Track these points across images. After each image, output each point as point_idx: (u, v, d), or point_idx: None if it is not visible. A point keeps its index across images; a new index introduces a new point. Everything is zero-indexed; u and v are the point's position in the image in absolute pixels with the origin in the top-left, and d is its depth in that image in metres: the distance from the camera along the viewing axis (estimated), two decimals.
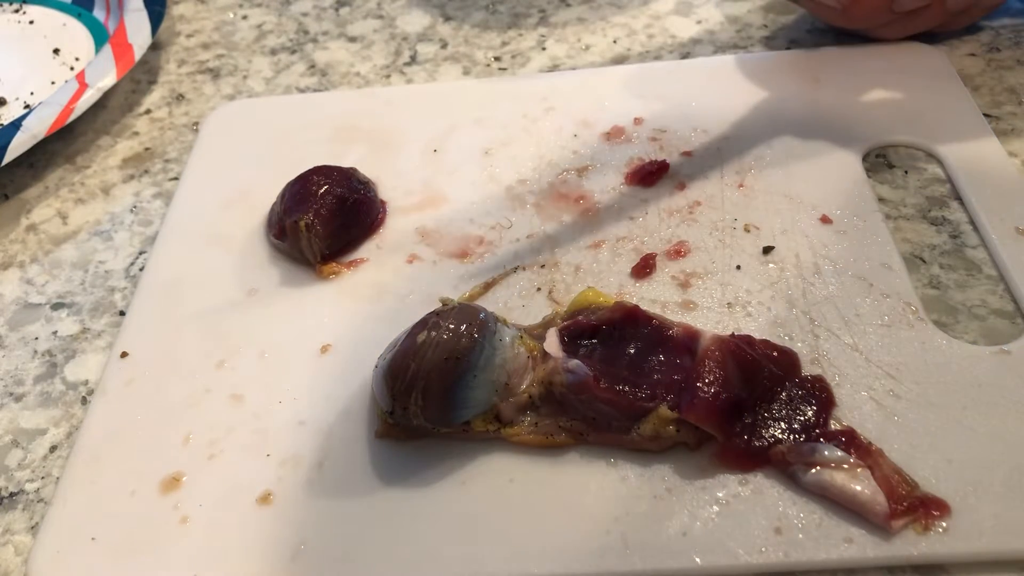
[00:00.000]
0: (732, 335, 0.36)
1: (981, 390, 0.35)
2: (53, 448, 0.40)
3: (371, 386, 0.37)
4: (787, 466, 0.33)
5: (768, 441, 0.33)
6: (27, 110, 0.54)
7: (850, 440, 0.33)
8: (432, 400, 0.34)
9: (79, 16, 0.66)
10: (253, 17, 0.66)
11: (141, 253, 0.48)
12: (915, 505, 0.31)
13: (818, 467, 0.32)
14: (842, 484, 0.32)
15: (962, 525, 0.31)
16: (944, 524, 0.31)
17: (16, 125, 0.51)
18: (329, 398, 0.38)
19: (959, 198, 0.43)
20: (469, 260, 0.43)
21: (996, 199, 0.42)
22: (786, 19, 0.57)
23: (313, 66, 0.60)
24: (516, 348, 0.36)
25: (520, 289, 0.42)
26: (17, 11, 0.67)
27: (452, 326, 0.34)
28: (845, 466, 0.32)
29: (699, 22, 0.58)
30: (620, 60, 0.56)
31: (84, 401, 0.41)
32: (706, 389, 0.33)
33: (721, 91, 0.50)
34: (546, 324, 0.38)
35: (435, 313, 0.35)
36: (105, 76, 0.54)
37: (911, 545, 0.31)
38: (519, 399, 0.35)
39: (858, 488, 0.31)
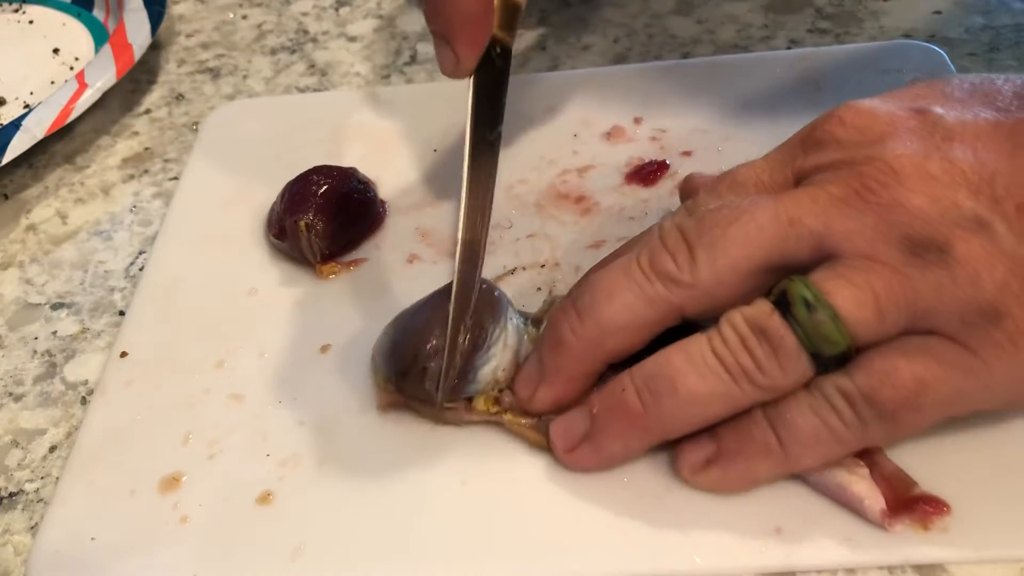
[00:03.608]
0: None
1: None
2: (53, 448, 0.40)
3: (373, 357, 0.37)
4: None
5: None
6: (27, 110, 0.54)
7: None
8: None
9: (79, 16, 0.66)
10: (253, 17, 0.66)
11: (141, 253, 0.48)
12: (915, 505, 0.31)
13: None
14: (842, 483, 0.32)
15: (962, 525, 0.31)
16: (944, 524, 0.31)
17: (16, 125, 0.51)
18: (329, 398, 0.38)
19: None
20: None
21: None
22: (786, 19, 0.57)
23: (313, 66, 0.60)
24: (523, 336, 0.36)
25: (520, 289, 0.42)
26: (17, 11, 0.67)
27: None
28: (845, 465, 0.32)
29: (699, 22, 0.58)
30: (620, 60, 0.56)
31: (84, 401, 0.41)
32: None
33: (721, 91, 0.50)
34: (549, 307, 0.38)
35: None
36: (105, 76, 0.54)
37: (911, 545, 0.31)
38: None
39: (857, 487, 0.31)
